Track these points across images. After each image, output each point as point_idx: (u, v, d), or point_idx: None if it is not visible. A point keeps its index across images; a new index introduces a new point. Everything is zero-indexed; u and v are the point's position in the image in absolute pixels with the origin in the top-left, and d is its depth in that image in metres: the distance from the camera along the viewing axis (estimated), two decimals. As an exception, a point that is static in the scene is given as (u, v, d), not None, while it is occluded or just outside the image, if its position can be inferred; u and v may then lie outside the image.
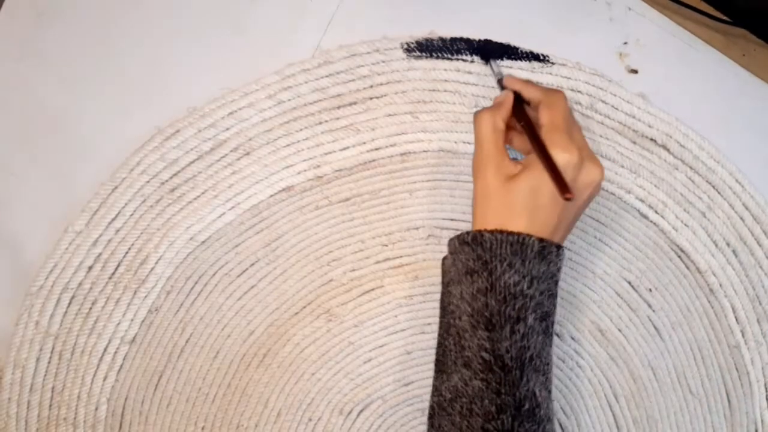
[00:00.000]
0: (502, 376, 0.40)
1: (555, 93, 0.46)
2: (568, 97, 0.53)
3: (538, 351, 0.41)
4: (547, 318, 0.42)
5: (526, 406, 0.40)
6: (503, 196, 0.43)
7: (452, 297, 0.43)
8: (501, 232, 0.42)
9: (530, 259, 0.41)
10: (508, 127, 0.46)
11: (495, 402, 0.40)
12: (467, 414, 0.40)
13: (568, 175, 0.42)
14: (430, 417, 0.43)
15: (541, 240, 0.42)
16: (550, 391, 0.42)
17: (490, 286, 0.41)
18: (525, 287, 0.41)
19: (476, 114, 0.46)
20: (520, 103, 0.47)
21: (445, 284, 0.45)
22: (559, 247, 0.43)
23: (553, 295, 0.43)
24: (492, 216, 0.43)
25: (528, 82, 0.48)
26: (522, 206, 0.42)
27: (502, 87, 0.50)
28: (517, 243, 0.41)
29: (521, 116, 0.46)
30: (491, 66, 0.52)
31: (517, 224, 0.42)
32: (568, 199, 0.41)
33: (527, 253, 0.41)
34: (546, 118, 0.44)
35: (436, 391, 0.43)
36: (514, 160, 0.45)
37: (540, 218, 0.42)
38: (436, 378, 0.44)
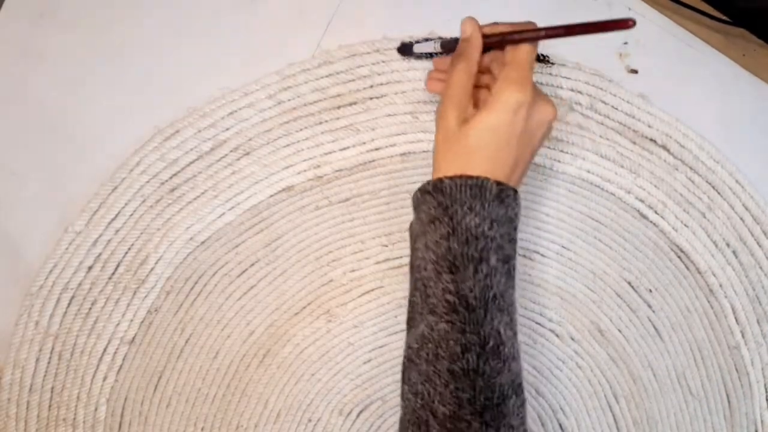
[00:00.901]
0: (466, 315, 0.40)
1: (524, 24, 0.45)
2: (568, 98, 0.53)
3: (501, 291, 0.42)
4: (508, 261, 0.43)
5: (491, 344, 0.40)
6: (461, 141, 0.43)
7: (417, 251, 0.44)
8: (460, 177, 0.42)
9: (489, 201, 0.42)
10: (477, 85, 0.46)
11: (460, 341, 0.40)
12: (433, 359, 0.41)
13: (522, 114, 0.42)
14: (402, 374, 0.44)
15: (498, 183, 0.42)
16: (515, 333, 0.42)
17: (452, 230, 0.41)
18: (486, 229, 0.41)
19: (432, 80, 0.48)
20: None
21: (412, 244, 0.45)
22: (515, 191, 0.43)
23: (513, 240, 0.43)
24: (451, 162, 0.43)
25: (493, 23, 0.47)
26: (481, 148, 0.42)
27: (447, 47, 0.49)
28: (476, 186, 0.42)
29: (496, 42, 0.45)
30: (421, 50, 0.51)
31: (477, 167, 0.42)
32: (629, 27, 0.41)
33: (486, 195, 0.42)
34: (509, 55, 0.44)
35: (406, 347, 0.44)
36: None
37: (499, 159, 0.43)
38: (407, 336, 0.44)
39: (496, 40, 0.45)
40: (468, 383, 0.39)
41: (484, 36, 0.45)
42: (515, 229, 0.44)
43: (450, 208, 0.42)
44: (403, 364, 0.44)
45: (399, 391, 0.53)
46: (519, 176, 0.44)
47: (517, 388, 0.41)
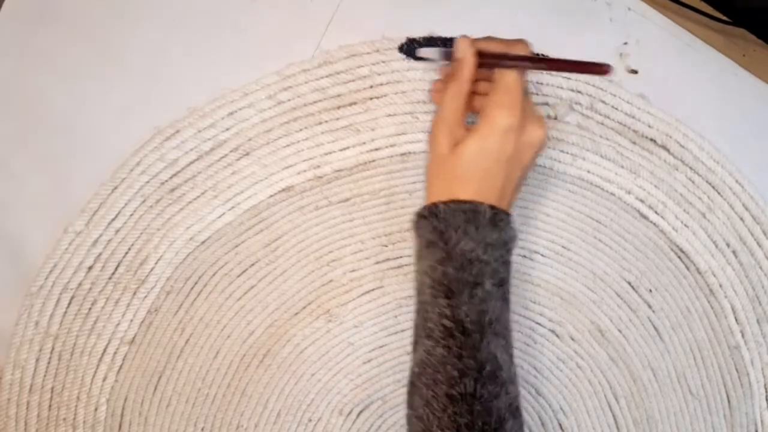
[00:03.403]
0: (462, 340, 0.41)
1: (517, 42, 0.45)
2: (568, 98, 0.53)
3: (497, 315, 0.42)
4: (503, 284, 0.43)
5: (488, 368, 0.40)
6: (452, 165, 0.43)
7: (417, 275, 0.44)
8: (454, 201, 0.43)
9: (483, 225, 0.42)
10: (473, 93, 0.46)
11: (457, 366, 0.40)
12: (432, 384, 0.41)
13: (511, 137, 0.43)
14: (407, 398, 0.44)
15: (492, 207, 0.43)
16: (511, 356, 0.43)
17: (446, 254, 0.42)
18: (480, 253, 0.42)
19: (436, 86, 0.48)
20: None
21: (415, 265, 0.46)
22: (508, 215, 0.44)
23: (507, 263, 0.44)
24: (443, 186, 0.44)
25: (487, 38, 0.47)
26: (471, 171, 0.43)
27: (448, 58, 0.49)
28: (470, 211, 0.42)
29: (489, 62, 0.45)
30: (424, 55, 0.51)
31: (467, 191, 0.43)
32: (605, 73, 0.42)
33: (480, 220, 0.42)
34: (498, 75, 0.44)
35: (410, 371, 0.44)
36: (468, 125, 0.45)
37: (488, 182, 0.43)
38: (411, 359, 0.44)
39: (488, 62, 0.45)
40: (466, 408, 0.40)
41: (478, 54, 0.45)
42: (509, 252, 0.44)
43: (445, 233, 0.42)
44: (408, 387, 0.44)
45: (399, 392, 0.53)
46: (510, 198, 0.45)
47: (515, 411, 0.41)
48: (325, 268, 0.53)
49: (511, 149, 0.43)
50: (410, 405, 0.43)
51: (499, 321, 0.42)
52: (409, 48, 0.53)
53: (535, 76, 0.53)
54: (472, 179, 0.43)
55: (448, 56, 0.48)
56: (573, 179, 0.53)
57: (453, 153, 0.43)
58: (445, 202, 0.43)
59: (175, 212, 0.52)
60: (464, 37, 0.46)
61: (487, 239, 0.42)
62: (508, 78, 0.44)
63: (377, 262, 0.53)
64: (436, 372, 0.41)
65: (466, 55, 0.45)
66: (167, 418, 0.52)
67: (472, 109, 0.47)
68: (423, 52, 0.50)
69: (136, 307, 0.52)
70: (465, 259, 0.42)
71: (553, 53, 0.53)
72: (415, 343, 0.44)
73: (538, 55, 0.51)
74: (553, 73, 0.52)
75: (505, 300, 0.43)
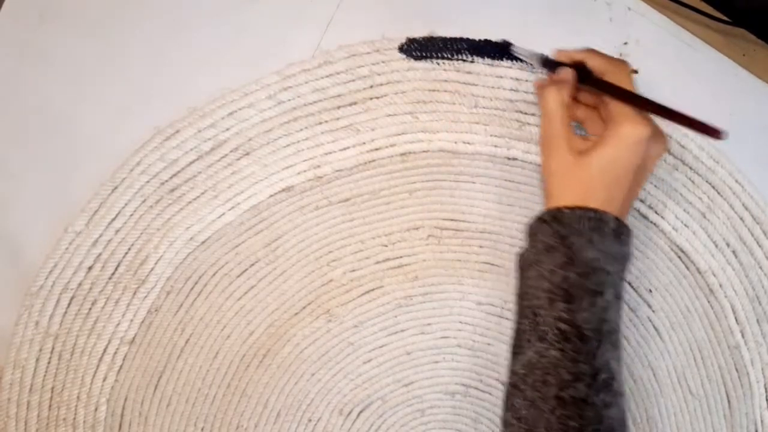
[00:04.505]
0: (579, 345, 0.40)
1: (619, 63, 0.46)
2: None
3: (614, 327, 0.41)
4: (620, 298, 0.43)
5: (603, 376, 0.39)
6: (579, 172, 0.43)
7: (528, 280, 0.43)
8: (580, 208, 0.42)
9: (607, 236, 0.42)
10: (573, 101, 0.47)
11: (571, 370, 0.39)
12: (541, 385, 0.40)
13: (641, 149, 0.42)
14: (505, 401, 0.43)
15: (617, 219, 0.42)
16: (622, 372, 0.42)
17: (569, 260, 0.41)
18: (602, 263, 0.41)
19: (541, 88, 0.46)
20: (582, 73, 0.46)
21: (522, 273, 0.44)
22: (630, 230, 0.43)
23: (623, 279, 0.43)
24: (569, 192, 0.43)
25: (589, 50, 0.47)
26: (598, 181, 0.42)
27: (547, 66, 0.49)
28: (595, 219, 0.42)
29: (595, 84, 0.45)
30: (519, 56, 0.51)
31: (595, 200, 0.42)
32: (717, 138, 0.41)
33: (604, 230, 0.42)
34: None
35: (511, 374, 0.43)
36: (580, 135, 0.45)
37: (614, 192, 0.43)
38: (511, 363, 0.43)
39: (593, 86, 0.45)
40: (577, 412, 0.39)
41: (581, 67, 0.46)
42: (625, 270, 0.44)
43: (568, 239, 0.42)
44: (507, 391, 0.43)
45: (399, 392, 0.53)
46: (628, 209, 0.45)
47: (624, 428, 0.40)
48: (325, 268, 0.53)
49: (639, 160, 0.43)
50: (509, 407, 0.42)
51: (616, 333, 0.42)
52: (409, 48, 0.53)
53: (535, 76, 0.53)
54: (600, 188, 0.43)
55: (547, 64, 0.49)
56: (573, 179, 0.53)
57: (581, 160, 0.43)
58: (570, 208, 0.42)
59: (175, 212, 0.52)
60: (561, 51, 0.47)
61: (609, 250, 0.42)
62: (624, 86, 0.44)
63: (377, 262, 0.53)
64: (547, 374, 0.40)
65: (568, 73, 0.46)
66: (167, 418, 0.52)
67: (574, 118, 0.47)
68: (518, 51, 0.51)
69: (136, 307, 0.52)
70: (589, 267, 0.41)
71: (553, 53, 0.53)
72: (518, 347, 0.43)
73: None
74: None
75: (619, 315, 0.43)
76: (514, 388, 0.42)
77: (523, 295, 0.44)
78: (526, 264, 0.44)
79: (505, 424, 0.42)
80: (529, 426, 0.39)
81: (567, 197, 0.43)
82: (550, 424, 0.39)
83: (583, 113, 0.47)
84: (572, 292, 0.41)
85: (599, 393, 0.39)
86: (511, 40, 0.52)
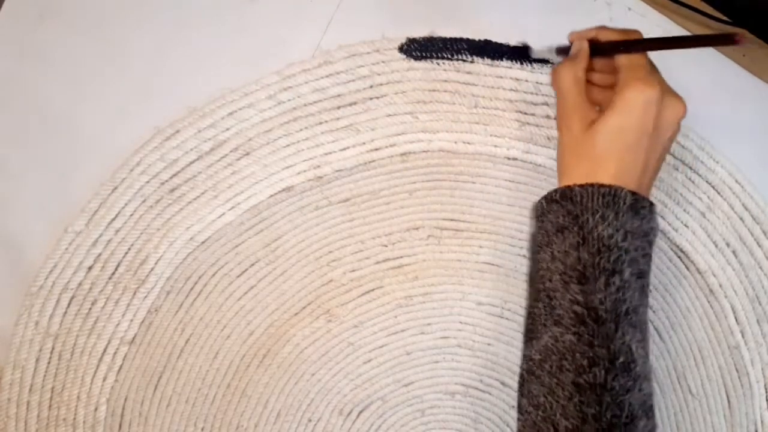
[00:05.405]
0: (595, 328, 0.38)
1: (632, 32, 0.44)
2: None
3: (635, 306, 0.39)
4: (643, 277, 0.41)
5: (621, 359, 0.38)
6: (587, 145, 0.41)
7: (541, 263, 0.42)
8: (591, 184, 0.40)
9: (623, 211, 0.40)
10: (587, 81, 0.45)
11: (587, 355, 0.38)
12: (557, 371, 0.38)
13: (650, 112, 0.40)
14: (520, 387, 0.42)
15: (633, 193, 0.40)
16: (647, 353, 0.40)
17: (582, 239, 0.39)
18: (619, 240, 0.39)
19: (554, 69, 0.45)
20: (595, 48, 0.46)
21: (533, 255, 0.43)
22: (651, 203, 0.41)
23: (647, 256, 0.41)
24: (578, 168, 0.42)
25: (600, 27, 0.46)
26: (609, 151, 0.41)
27: (562, 53, 0.48)
28: (608, 195, 0.40)
29: (607, 50, 0.44)
30: (539, 57, 0.51)
31: (606, 172, 0.40)
32: (736, 43, 0.39)
33: (620, 205, 0.40)
34: (624, 58, 0.42)
35: (525, 359, 0.42)
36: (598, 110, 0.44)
37: (627, 163, 0.41)
38: (525, 348, 0.42)
39: (605, 49, 0.44)
40: (594, 398, 0.37)
41: (593, 42, 0.44)
42: (650, 244, 0.41)
43: (580, 217, 0.40)
44: (521, 376, 0.42)
45: (399, 392, 0.53)
46: (649, 181, 0.43)
47: (648, 411, 0.39)
48: (325, 268, 0.53)
49: (650, 125, 0.41)
50: (525, 394, 0.41)
51: (636, 313, 0.39)
52: (409, 48, 0.53)
53: (535, 76, 0.53)
54: (610, 159, 0.40)
55: (562, 51, 0.48)
56: (573, 179, 0.53)
57: (588, 132, 0.41)
58: (581, 185, 0.40)
59: (175, 212, 0.52)
60: (573, 32, 0.46)
61: (626, 226, 0.39)
62: (632, 56, 0.42)
63: (377, 262, 0.53)
64: (563, 359, 0.38)
65: (580, 45, 0.44)
66: (167, 418, 0.52)
67: (592, 101, 0.45)
68: (536, 52, 0.50)
69: (136, 307, 0.52)
70: (602, 245, 0.39)
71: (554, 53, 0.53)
72: (532, 331, 0.41)
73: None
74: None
75: (643, 293, 0.41)
76: (530, 374, 0.41)
77: (537, 278, 0.42)
78: (537, 246, 0.43)
79: (522, 411, 0.41)
80: (546, 414, 0.38)
81: (577, 174, 0.41)
82: (567, 411, 0.38)
83: (601, 94, 0.45)
84: (586, 273, 0.39)
85: (618, 377, 0.38)
86: (529, 43, 0.52)
